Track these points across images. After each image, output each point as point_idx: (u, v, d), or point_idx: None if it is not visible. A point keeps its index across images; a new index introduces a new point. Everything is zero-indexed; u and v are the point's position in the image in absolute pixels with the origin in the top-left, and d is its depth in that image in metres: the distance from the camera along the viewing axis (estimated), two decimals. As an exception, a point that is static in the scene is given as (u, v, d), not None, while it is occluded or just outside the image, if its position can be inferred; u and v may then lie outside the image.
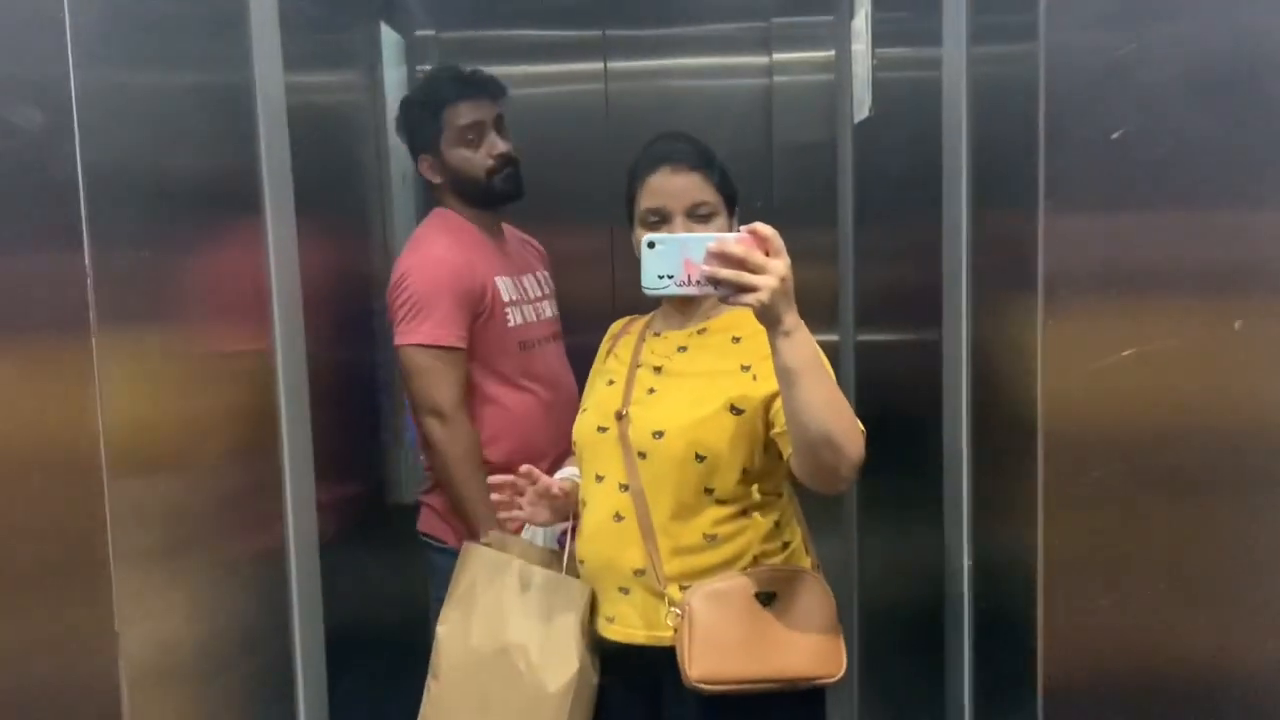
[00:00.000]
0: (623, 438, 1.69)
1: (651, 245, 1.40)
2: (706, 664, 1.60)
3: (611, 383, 1.80)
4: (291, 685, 1.59)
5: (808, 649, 1.63)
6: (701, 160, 1.71)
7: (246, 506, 1.49)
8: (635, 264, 1.45)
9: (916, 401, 1.93)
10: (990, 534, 1.56)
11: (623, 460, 1.69)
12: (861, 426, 1.49)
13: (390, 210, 2.44)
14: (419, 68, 2.88)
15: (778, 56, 2.96)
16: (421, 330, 2.16)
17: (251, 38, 1.53)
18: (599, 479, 1.73)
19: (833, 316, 2.78)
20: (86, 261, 0.98)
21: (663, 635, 1.65)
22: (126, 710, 1.05)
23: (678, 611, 1.62)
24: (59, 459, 0.99)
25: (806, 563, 1.76)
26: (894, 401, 2.24)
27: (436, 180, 2.31)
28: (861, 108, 2.48)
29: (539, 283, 2.41)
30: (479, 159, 2.27)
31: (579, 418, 1.81)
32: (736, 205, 1.77)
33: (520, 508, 1.79)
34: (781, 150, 2.80)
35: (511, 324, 2.27)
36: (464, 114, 2.25)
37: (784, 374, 1.40)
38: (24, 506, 0.97)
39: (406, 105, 2.31)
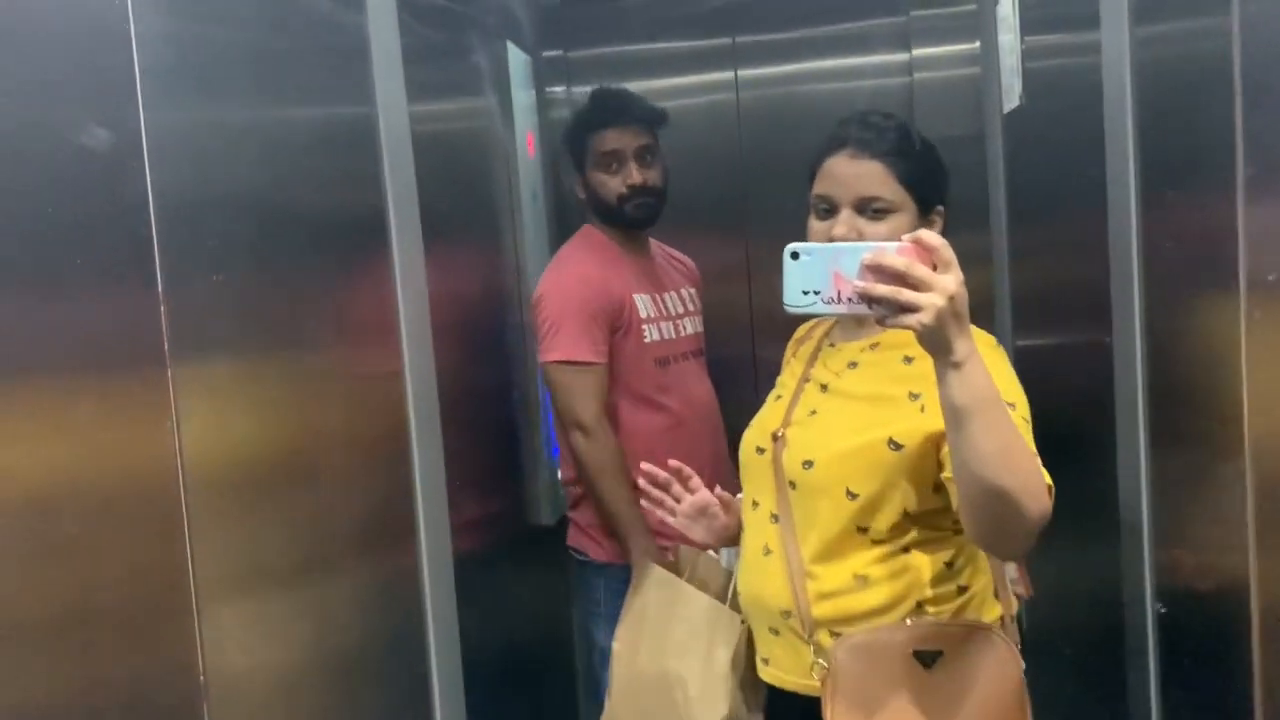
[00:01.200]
0: (776, 462, 1.52)
1: (795, 256, 1.18)
2: None
3: (779, 398, 1.63)
4: (429, 706, 1.56)
5: None
6: (887, 147, 1.48)
7: (379, 528, 1.47)
8: (777, 275, 1.25)
9: (1084, 411, 1.78)
10: (1178, 565, 1.39)
11: (774, 488, 1.53)
12: (1049, 480, 1.25)
13: (521, 229, 2.44)
14: (548, 89, 2.87)
15: (918, 52, 2.82)
16: (560, 347, 2.22)
17: (373, 70, 1.52)
18: (755, 505, 1.57)
19: (988, 320, 2.61)
20: (160, 297, 0.96)
21: (813, 685, 1.47)
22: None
23: (823, 664, 1.44)
24: (142, 492, 0.97)
25: (991, 614, 1.50)
26: (1057, 411, 2.07)
27: (582, 197, 2.40)
28: (1011, 96, 2.33)
29: (682, 299, 2.43)
30: (614, 185, 2.32)
31: (744, 435, 1.63)
32: (938, 206, 1.53)
33: (672, 513, 1.69)
34: (924, 148, 2.65)
35: (648, 340, 2.30)
36: (606, 141, 2.31)
37: (951, 412, 1.18)
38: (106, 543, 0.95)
39: (568, 124, 2.44)
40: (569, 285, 2.26)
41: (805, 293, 1.18)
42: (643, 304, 2.31)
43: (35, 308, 0.85)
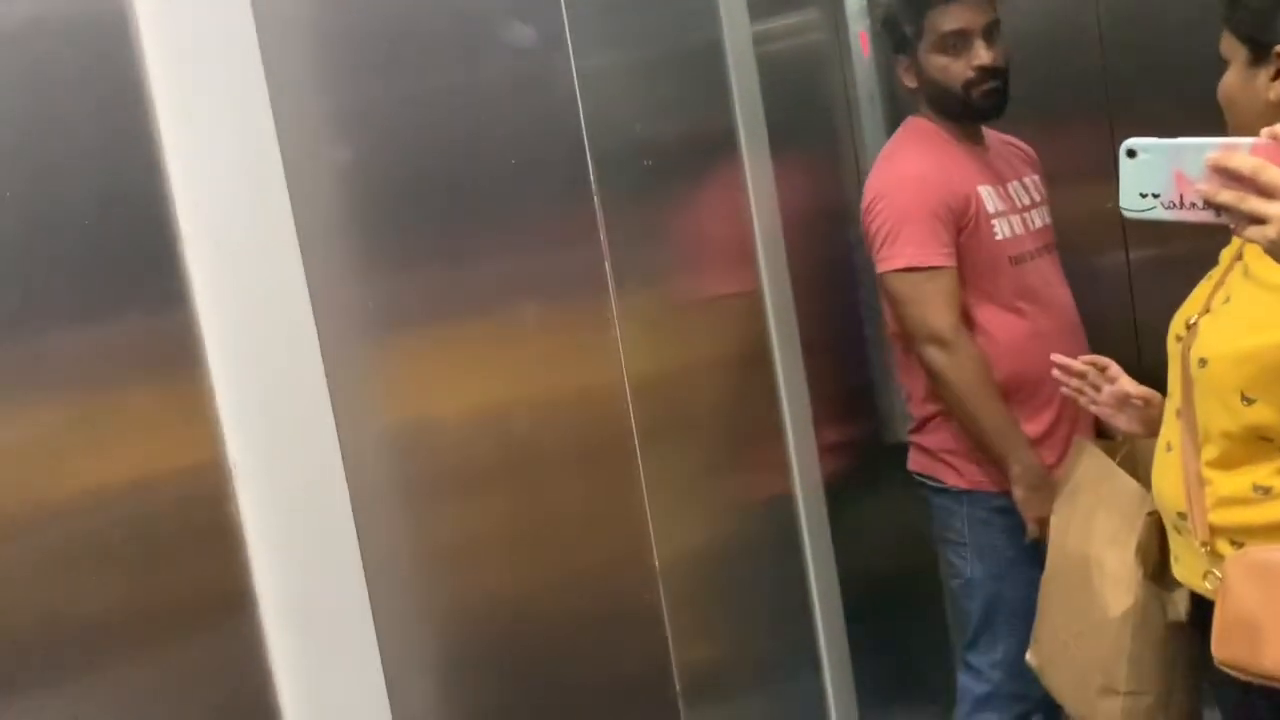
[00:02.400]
0: (1184, 354, 1.39)
1: (1131, 154, 1.05)
2: (1234, 648, 1.30)
3: (1211, 277, 1.48)
4: (811, 621, 1.59)
5: None
6: None
7: (752, 451, 1.50)
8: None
9: None
10: None
11: (1181, 382, 1.40)
12: None
13: (861, 133, 2.35)
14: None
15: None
16: (905, 253, 2.00)
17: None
18: (1169, 397, 1.47)
19: None
20: (600, 225, 1.01)
21: (1211, 591, 1.36)
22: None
23: (1217, 574, 1.33)
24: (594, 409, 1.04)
25: None
26: None
27: (912, 85, 2.12)
28: None
29: (1027, 189, 2.16)
30: (958, 69, 2.03)
31: (1175, 317, 1.49)
32: (1275, 54, 1.31)
33: (1094, 401, 1.60)
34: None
35: (1000, 237, 2.05)
36: (951, 18, 2.02)
37: None
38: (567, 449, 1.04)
39: (892, 2, 2.14)
40: (906, 184, 2.02)
41: (1143, 195, 1.05)
42: (989, 197, 2.06)
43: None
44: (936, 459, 2.14)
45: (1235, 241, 1.47)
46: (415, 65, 0.88)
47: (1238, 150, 0.99)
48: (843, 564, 1.77)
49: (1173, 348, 1.44)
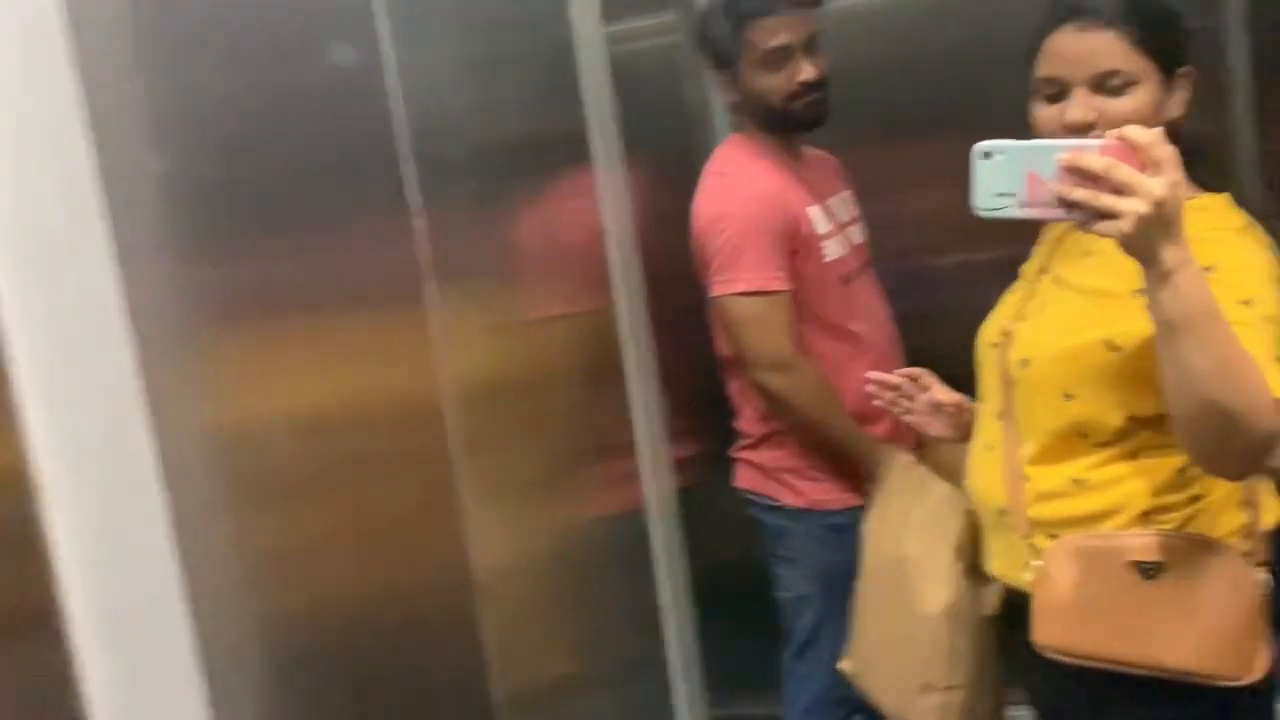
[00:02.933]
0: (1002, 359, 1.45)
1: (986, 155, 1.09)
2: (1056, 632, 1.36)
3: (1019, 288, 1.54)
4: (660, 627, 1.60)
5: (1198, 639, 1.29)
6: (1121, 11, 1.32)
7: (599, 461, 1.51)
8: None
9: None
10: None
11: (1000, 385, 1.46)
12: (1278, 394, 1.11)
13: (713, 143, 2.37)
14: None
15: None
16: (745, 277, 1.92)
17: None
18: (984, 400, 1.53)
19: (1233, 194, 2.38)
20: (419, 230, 1.00)
21: (1029, 582, 1.41)
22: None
23: (1038, 564, 1.38)
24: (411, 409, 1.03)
25: (1226, 526, 1.35)
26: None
27: (732, 100, 2.04)
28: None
29: (845, 204, 2.13)
30: (780, 84, 1.96)
31: (983, 326, 1.54)
32: (1182, 69, 1.36)
33: (908, 411, 1.65)
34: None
35: (829, 258, 2.00)
36: (772, 35, 1.94)
37: (1160, 327, 1.08)
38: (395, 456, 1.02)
39: (706, 16, 2.02)
40: (746, 204, 1.94)
41: (998, 195, 1.10)
42: (817, 217, 2.00)
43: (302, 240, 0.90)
44: (772, 477, 2.09)
45: (1039, 255, 1.56)
46: (229, 63, 0.85)
47: (1089, 151, 1.04)
48: (700, 570, 1.79)
49: (987, 354, 1.51)
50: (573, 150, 1.53)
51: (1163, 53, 1.34)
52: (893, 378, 1.64)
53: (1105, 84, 1.32)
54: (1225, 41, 2.38)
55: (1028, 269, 1.56)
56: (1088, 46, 1.33)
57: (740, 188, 1.98)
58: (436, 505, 1.00)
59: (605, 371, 1.55)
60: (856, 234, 2.10)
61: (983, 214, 1.11)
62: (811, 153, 2.16)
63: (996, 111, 1.43)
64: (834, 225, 2.03)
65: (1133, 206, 1.01)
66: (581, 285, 1.52)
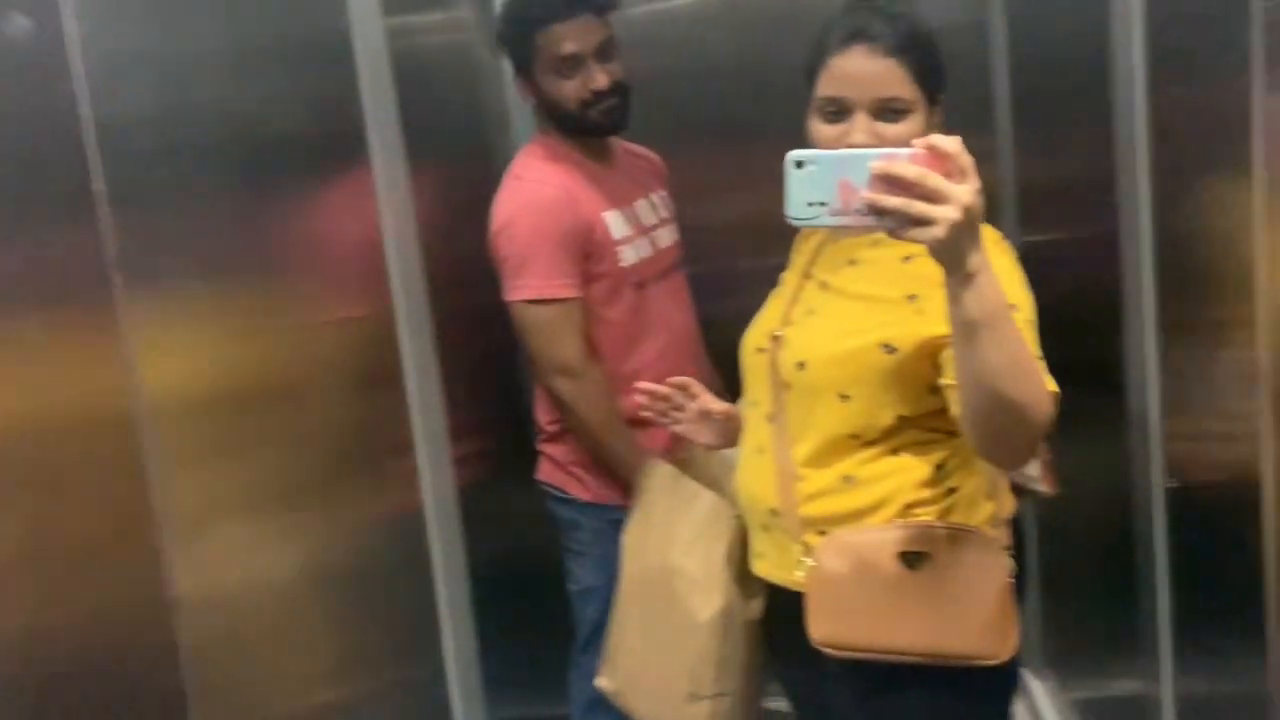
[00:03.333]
0: (773, 363, 1.49)
1: (799, 164, 1.09)
2: (831, 627, 1.42)
3: (781, 295, 1.58)
4: (437, 627, 1.57)
5: (961, 622, 1.38)
6: (902, 41, 1.38)
7: (377, 458, 1.46)
8: (776, 186, 1.14)
9: (1092, 303, 1.75)
10: (1186, 448, 1.38)
11: (771, 388, 1.50)
12: (1053, 387, 1.21)
13: (513, 145, 2.33)
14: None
15: (917, -64, 2.69)
16: (532, 284, 1.94)
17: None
18: (754, 405, 1.56)
19: (993, 216, 2.55)
20: (107, 229, 0.93)
21: (801, 581, 1.46)
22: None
23: (811, 562, 1.43)
24: (101, 420, 0.95)
25: (979, 516, 1.46)
26: (1066, 304, 2.04)
27: (531, 104, 2.05)
28: (1013, -19, 2.24)
29: (655, 207, 2.14)
30: (572, 91, 1.97)
31: (745, 334, 1.58)
32: (939, 102, 1.44)
33: (677, 421, 1.68)
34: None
35: (625, 264, 2.02)
36: (559, 41, 1.94)
37: (960, 327, 1.11)
38: (82, 471, 0.94)
39: (501, 21, 2.04)
40: (534, 211, 1.95)
41: (810, 204, 1.10)
42: (615, 222, 2.01)
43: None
44: (564, 470, 2.13)
45: (798, 263, 1.62)
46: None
47: (899, 159, 1.05)
48: (485, 568, 1.77)
49: (754, 359, 1.56)
50: (346, 148, 1.47)
51: (931, 82, 1.42)
52: (661, 388, 1.66)
53: (885, 109, 1.38)
54: (990, 71, 2.56)
55: (788, 276, 1.62)
56: (873, 72, 1.38)
57: (532, 193, 1.98)
58: (129, 524, 0.93)
59: (381, 374, 1.49)
60: (665, 236, 2.12)
61: (796, 223, 1.13)
62: (627, 153, 2.17)
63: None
64: (634, 229, 2.05)
65: (946, 213, 1.03)
66: (353, 288, 1.46)
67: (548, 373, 2.00)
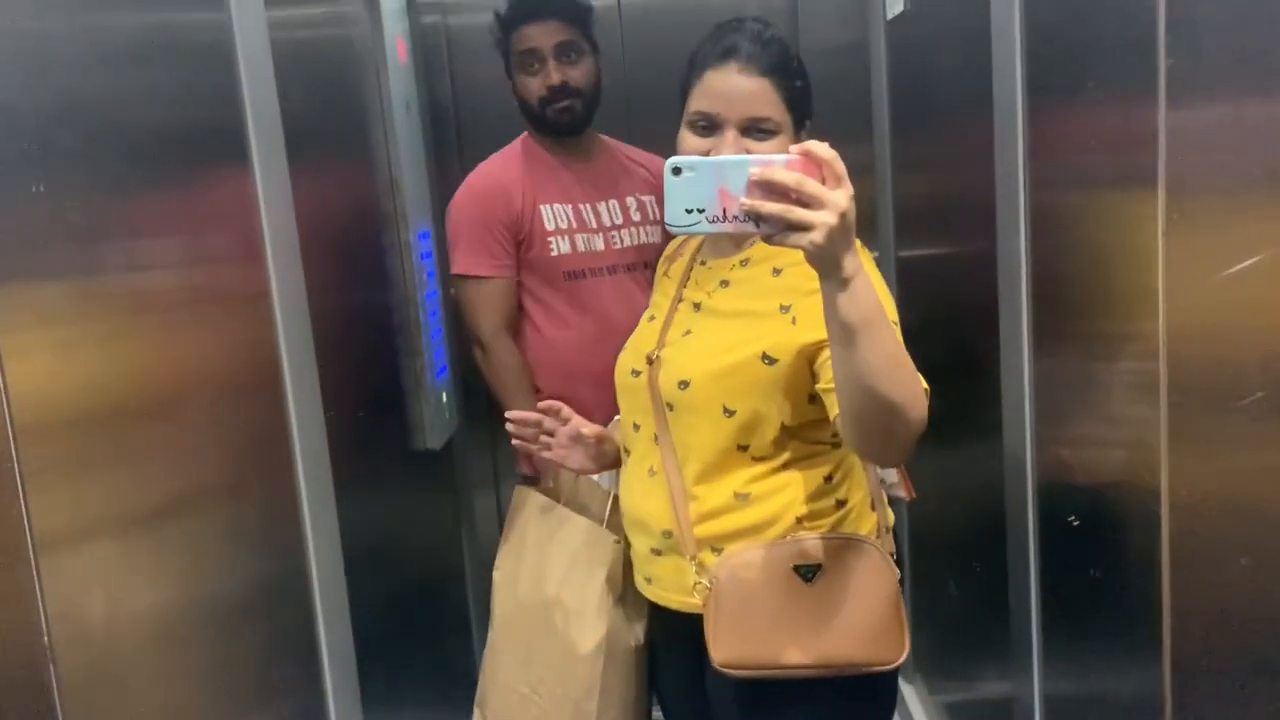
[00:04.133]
0: (652, 385, 1.50)
1: (677, 171, 1.09)
2: (733, 647, 1.41)
3: (652, 319, 1.60)
4: (314, 640, 1.50)
5: (857, 632, 1.40)
6: (774, 63, 1.42)
7: (248, 461, 1.39)
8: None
9: (968, 319, 1.81)
10: (1059, 466, 1.43)
11: (653, 410, 1.51)
12: (925, 385, 1.25)
13: (395, 141, 2.30)
14: (418, -9, 2.72)
15: (801, -44, 2.75)
16: (457, 260, 2.21)
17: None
18: (636, 428, 1.56)
19: (871, 233, 2.63)
20: None
21: (696, 603, 1.47)
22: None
23: (706, 583, 1.44)
24: None
25: (867, 526, 1.51)
26: (942, 320, 2.11)
27: (516, 100, 2.28)
28: (895, 3, 2.30)
29: (626, 209, 2.31)
30: (534, 87, 2.21)
31: (619, 358, 1.61)
32: (806, 126, 1.48)
33: (548, 447, 1.66)
34: (809, 56, 2.59)
35: (555, 253, 2.22)
36: (524, 38, 2.19)
37: (839, 330, 1.14)
38: None
39: (492, 24, 2.27)
40: (467, 197, 2.22)
41: (689, 211, 1.10)
42: (553, 214, 2.22)
43: None
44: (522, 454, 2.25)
45: (666, 288, 1.65)
46: None
47: (776, 166, 1.06)
48: (361, 571, 1.70)
49: (631, 382, 1.56)
50: (224, 144, 1.40)
51: (799, 107, 1.46)
52: (530, 415, 1.64)
53: (755, 128, 1.41)
54: (869, 89, 2.63)
55: (658, 301, 1.64)
56: (744, 90, 1.41)
57: (471, 183, 2.25)
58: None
59: (256, 370, 1.42)
60: (629, 236, 2.31)
61: (675, 230, 1.13)
62: (618, 156, 2.36)
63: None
64: (575, 224, 2.24)
65: (823, 218, 1.05)
66: (230, 287, 1.39)
67: (470, 340, 2.27)
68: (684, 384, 1.47)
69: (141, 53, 1.22)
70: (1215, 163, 1.05)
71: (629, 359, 1.58)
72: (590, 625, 1.62)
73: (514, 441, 1.68)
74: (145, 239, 1.17)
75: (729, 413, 1.43)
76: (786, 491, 1.46)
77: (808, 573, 1.42)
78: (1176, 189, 1.05)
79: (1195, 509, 1.09)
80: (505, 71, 2.27)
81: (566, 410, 1.66)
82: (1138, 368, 1.13)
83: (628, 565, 1.64)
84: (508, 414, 1.66)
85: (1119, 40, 1.14)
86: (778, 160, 1.08)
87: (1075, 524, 1.36)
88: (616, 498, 1.70)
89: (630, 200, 2.33)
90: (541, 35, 2.17)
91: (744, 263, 1.52)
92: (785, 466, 1.46)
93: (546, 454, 1.66)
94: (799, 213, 1.06)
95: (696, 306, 1.54)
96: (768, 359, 1.41)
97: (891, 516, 1.56)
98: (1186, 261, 1.06)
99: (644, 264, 2.32)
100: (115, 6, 1.19)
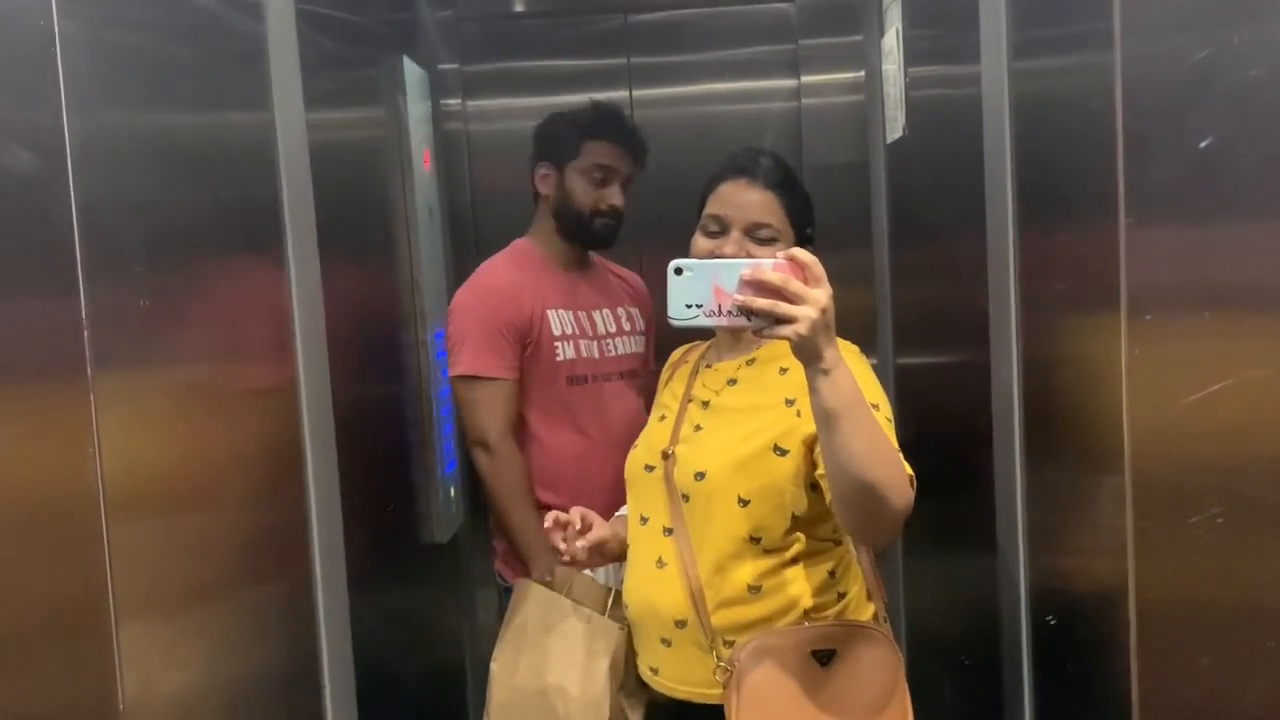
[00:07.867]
0: (667, 478, 1.60)
1: (679, 271, 1.26)
2: None
3: (663, 418, 1.71)
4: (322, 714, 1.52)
5: (869, 712, 1.49)
6: (778, 180, 1.62)
7: (271, 549, 1.44)
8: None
9: (962, 427, 1.86)
10: (1052, 575, 1.47)
11: (667, 502, 1.59)
12: (910, 472, 1.36)
13: (417, 244, 2.40)
14: (443, 101, 2.86)
15: (806, 79, 2.90)
16: (464, 361, 2.20)
17: (271, 77, 1.50)
18: (644, 520, 1.64)
19: (870, 341, 2.71)
20: (82, 307, 0.94)
21: (709, 693, 1.54)
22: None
23: (726, 668, 1.50)
24: (57, 510, 0.94)
25: (867, 614, 1.61)
26: (936, 427, 2.16)
27: (545, 193, 2.32)
28: (894, 127, 2.43)
29: (618, 319, 2.39)
30: (592, 198, 2.27)
31: (630, 454, 1.72)
32: (809, 241, 1.64)
33: (570, 551, 1.70)
34: (812, 172, 2.73)
35: (560, 358, 2.25)
36: (605, 153, 2.27)
37: (822, 415, 1.27)
38: (21, 564, 0.92)
39: (555, 117, 2.34)
40: (475, 298, 2.24)
41: (688, 306, 1.26)
42: (559, 320, 2.26)
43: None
44: (502, 558, 2.31)
45: (674, 388, 1.75)
46: None
47: (764, 268, 1.22)
48: (370, 661, 1.73)
49: (645, 477, 1.65)
50: (262, 238, 1.49)
51: (799, 219, 1.63)
52: (571, 516, 1.69)
53: (756, 233, 1.59)
54: (870, 204, 2.74)
55: (667, 401, 1.73)
56: (750, 200, 1.59)
57: (479, 284, 2.28)
58: (80, 625, 0.90)
59: (283, 461, 1.48)
60: (622, 345, 2.37)
61: (675, 323, 1.28)
62: (607, 270, 2.47)
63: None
64: (578, 330, 2.29)
65: (806, 313, 1.20)
66: (263, 381, 1.46)
67: (470, 443, 2.23)
68: (700, 475, 1.56)
69: (197, 152, 1.31)
70: (1176, 285, 1.14)
71: (642, 454, 1.67)
72: (594, 713, 1.64)
73: (554, 540, 1.70)
74: (187, 331, 1.25)
75: (743, 502, 1.53)
76: (795, 584, 1.55)
77: (824, 657, 1.50)
78: (1137, 312, 1.14)
79: (1160, 613, 1.15)
80: (547, 159, 2.31)
81: (592, 515, 1.70)
82: (1111, 481, 1.20)
83: (630, 654, 1.68)
84: (550, 514, 1.67)
85: (1087, 163, 1.23)
86: (766, 263, 1.24)
87: (1052, 623, 1.41)
88: (618, 592, 1.75)
89: (620, 310, 2.42)
90: (620, 159, 2.28)
91: (750, 362, 1.65)
92: (793, 561, 1.55)
93: (564, 559, 1.71)
94: (785, 307, 1.22)
95: (705, 405, 1.64)
96: (779, 450, 1.52)
97: (884, 609, 1.63)
98: (1149, 387, 1.14)
99: (632, 372, 2.39)
100: (174, 107, 1.28)
